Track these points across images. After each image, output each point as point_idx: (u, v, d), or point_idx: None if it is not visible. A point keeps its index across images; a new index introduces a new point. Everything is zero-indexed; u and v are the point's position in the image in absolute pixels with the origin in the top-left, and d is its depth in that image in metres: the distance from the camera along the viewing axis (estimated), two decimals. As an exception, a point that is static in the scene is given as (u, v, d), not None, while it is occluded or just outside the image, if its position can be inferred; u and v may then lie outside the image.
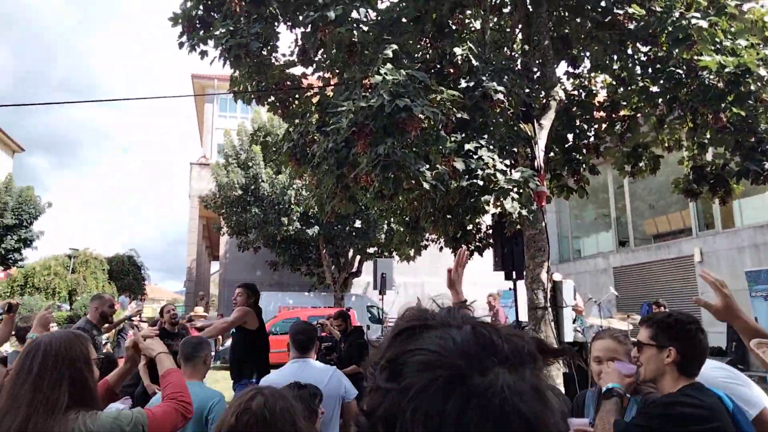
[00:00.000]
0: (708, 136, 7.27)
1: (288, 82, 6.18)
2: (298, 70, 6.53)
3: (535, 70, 6.87)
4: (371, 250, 20.05)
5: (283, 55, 6.63)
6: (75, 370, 1.79)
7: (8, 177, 20.99)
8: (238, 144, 19.94)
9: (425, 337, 0.60)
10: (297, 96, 6.37)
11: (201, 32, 5.71)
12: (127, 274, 29.52)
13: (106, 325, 5.29)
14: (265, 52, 6.18)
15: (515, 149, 6.20)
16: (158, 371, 2.27)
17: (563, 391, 5.78)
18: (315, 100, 6.43)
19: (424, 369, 0.56)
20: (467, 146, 5.24)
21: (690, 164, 7.70)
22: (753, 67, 6.00)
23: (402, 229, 9.57)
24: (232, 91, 6.06)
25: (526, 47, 7.11)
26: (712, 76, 6.26)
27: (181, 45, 5.75)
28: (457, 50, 5.39)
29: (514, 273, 7.16)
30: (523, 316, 8.34)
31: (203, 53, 5.81)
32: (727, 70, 6.09)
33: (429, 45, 6.10)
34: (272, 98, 6.16)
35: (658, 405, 2.00)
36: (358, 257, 20.90)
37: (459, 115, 5.08)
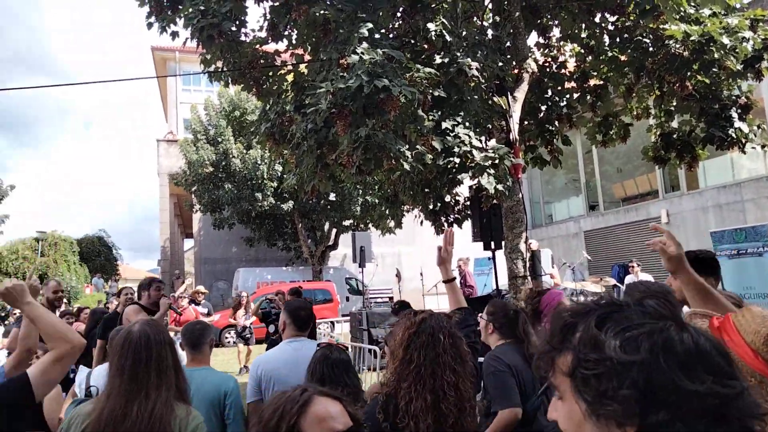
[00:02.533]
0: (674, 103, 7.48)
1: (261, 60, 6.10)
2: (270, 47, 6.44)
3: (507, 42, 6.92)
4: (347, 223, 20.12)
5: (252, 30, 6.53)
6: (175, 356, 1.95)
7: (-33, 161, 20.21)
8: (206, 119, 19.56)
9: (625, 316, 0.79)
10: (271, 74, 6.30)
11: (169, 11, 5.57)
12: (98, 255, 29.09)
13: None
14: (234, 28, 6.07)
15: (489, 125, 6.30)
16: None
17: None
18: (289, 77, 6.38)
19: (648, 337, 0.75)
20: (444, 124, 5.31)
21: (657, 132, 7.92)
22: (716, 35, 6.16)
23: (378, 203, 9.64)
24: (206, 72, 5.96)
25: (497, 18, 7.14)
26: (677, 45, 6.41)
27: (149, 25, 5.60)
28: (431, 26, 5.40)
29: (492, 243, 7.35)
30: (502, 284, 8.60)
31: (174, 34, 5.69)
32: (692, 38, 6.25)
33: (402, 20, 6.08)
34: (246, 77, 6.09)
35: None
36: (334, 230, 20.97)
37: (436, 94, 5.13)
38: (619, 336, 0.76)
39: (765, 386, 1.24)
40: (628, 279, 11.98)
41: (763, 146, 7.27)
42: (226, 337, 15.45)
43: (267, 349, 8.13)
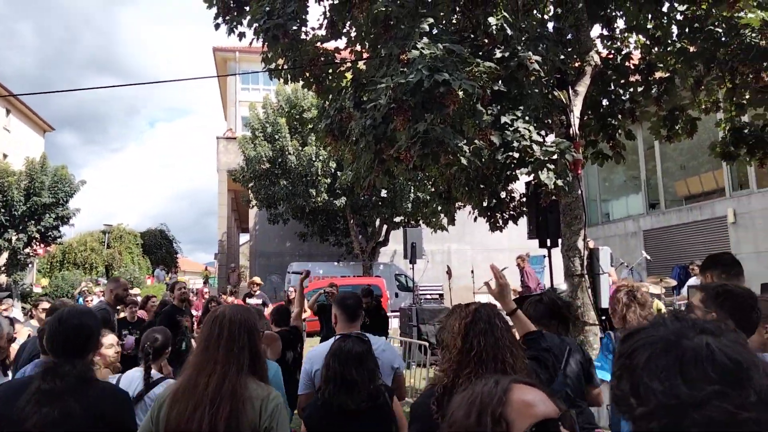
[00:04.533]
0: (747, 96, 7.12)
1: (321, 58, 6.21)
2: (330, 45, 6.54)
3: (569, 35, 6.76)
4: (398, 219, 20.18)
5: (312, 28, 6.64)
6: (252, 340, 2.04)
7: (42, 156, 21.48)
8: (264, 117, 20.03)
9: (645, 331, 0.85)
10: (330, 71, 6.40)
11: (236, 13, 5.75)
12: (159, 248, 30.34)
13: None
14: (295, 27, 6.20)
15: (549, 119, 6.18)
16: None
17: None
18: (348, 74, 6.46)
19: (645, 347, 0.81)
20: (503, 119, 5.24)
21: (727, 126, 7.55)
22: (798, 23, 5.82)
23: (430, 199, 9.59)
24: (267, 70, 6.12)
25: (559, 10, 6.98)
26: (754, 34, 6.10)
27: (217, 26, 5.81)
28: (492, 20, 5.34)
29: (548, 241, 7.21)
30: (557, 283, 8.42)
31: (242, 35, 5.87)
32: (770, 27, 5.93)
33: (462, 14, 6.04)
34: (307, 74, 6.21)
35: None
36: (385, 226, 21.07)
37: (495, 88, 5.07)
38: (630, 344, 0.84)
39: None
40: (691, 281, 11.47)
41: None
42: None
43: (321, 342, 8.18)
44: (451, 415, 1.00)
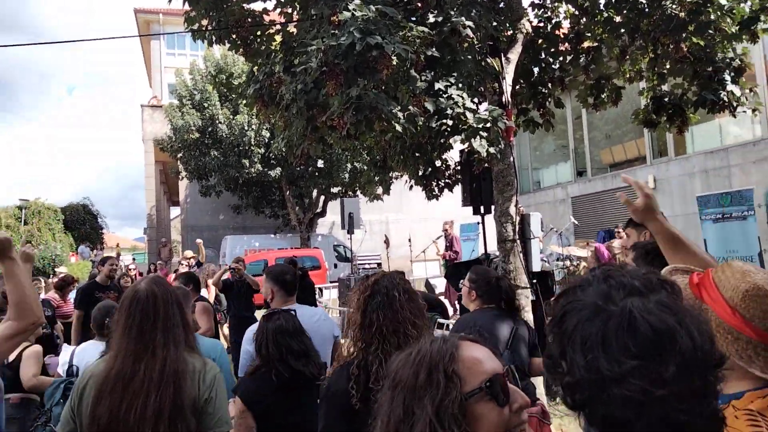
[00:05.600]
0: (668, 66, 7.42)
1: (249, 19, 5.91)
2: (258, 5, 6.24)
3: (501, 2, 6.76)
4: (335, 190, 20.01)
5: (239, -12, 6.29)
6: (182, 313, 1.97)
7: (-57, 126, 19.64)
8: (191, 84, 19.11)
9: (574, 293, 0.84)
10: (259, 34, 6.11)
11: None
12: (83, 224, 28.73)
13: None
14: (220, -14, 5.85)
15: (482, 87, 6.20)
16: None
17: (531, 317, 6.11)
18: (278, 38, 6.20)
19: (573, 312, 0.80)
20: (437, 85, 5.20)
21: (649, 95, 7.87)
22: (714, -5, 6.08)
23: (367, 169, 9.54)
24: (190, 30, 5.76)
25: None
26: (674, 6, 6.32)
27: (132, -19, 5.38)
28: (425, -17, 5.24)
29: (482, 208, 7.34)
30: (491, 249, 8.63)
31: (159, -9, 5.48)
32: (689, -1, 6.17)
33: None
34: (233, 36, 5.90)
35: None
36: (322, 197, 20.85)
37: (429, 53, 5.01)
38: (561, 305, 0.83)
39: (741, 343, 1.20)
40: (614, 243, 12.11)
41: (753, 110, 7.26)
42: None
43: (230, 325, 7.64)
44: (395, 375, 0.98)
